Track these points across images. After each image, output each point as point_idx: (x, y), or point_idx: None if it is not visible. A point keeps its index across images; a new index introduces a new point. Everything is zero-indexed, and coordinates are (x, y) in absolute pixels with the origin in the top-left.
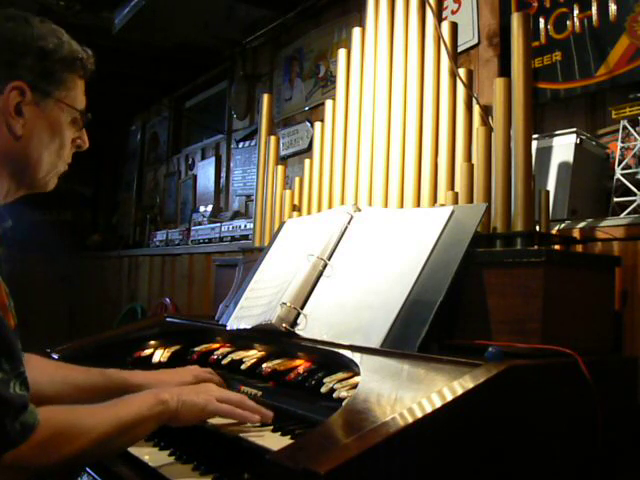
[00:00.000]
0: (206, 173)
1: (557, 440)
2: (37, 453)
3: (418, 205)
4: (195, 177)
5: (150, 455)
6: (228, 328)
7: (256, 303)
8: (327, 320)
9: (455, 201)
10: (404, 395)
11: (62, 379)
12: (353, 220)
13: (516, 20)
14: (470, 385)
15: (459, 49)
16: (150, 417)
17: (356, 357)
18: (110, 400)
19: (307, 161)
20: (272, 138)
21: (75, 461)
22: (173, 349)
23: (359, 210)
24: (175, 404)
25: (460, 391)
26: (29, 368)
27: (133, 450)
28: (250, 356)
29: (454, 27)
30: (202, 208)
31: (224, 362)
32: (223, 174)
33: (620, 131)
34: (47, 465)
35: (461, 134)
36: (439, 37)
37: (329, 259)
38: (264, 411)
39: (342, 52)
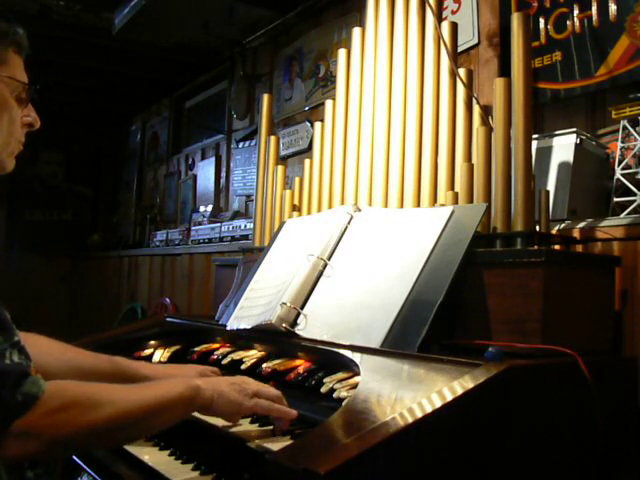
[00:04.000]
0: (206, 173)
1: (557, 440)
2: (49, 422)
3: (418, 205)
4: (195, 177)
5: (150, 455)
6: (228, 328)
7: (256, 303)
8: (327, 320)
9: (455, 201)
10: (404, 395)
11: (68, 361)
12: (353, 220)
13: (516, 20)
14: (470, 385)
15: (459, 49)
16: (179, 402)
17: (356, 357)
18: None
19: (307, 161)
20: (272, 138)
21: (89, 437)
22: (173, 349)
23: (359, 210)
24: (211, 393)
25: (460, 391)
26: (34, 347)
27: (133, 450)
28: (250, 356)
29: (454, 27)
30: (202, 208)
31: (224, 362)
32: (223, 174)
33: (620, 131)
34: (59, 436)
35: (461, 134)
36: (439, 37)
37: (329, 259)
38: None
39: (342, 52)
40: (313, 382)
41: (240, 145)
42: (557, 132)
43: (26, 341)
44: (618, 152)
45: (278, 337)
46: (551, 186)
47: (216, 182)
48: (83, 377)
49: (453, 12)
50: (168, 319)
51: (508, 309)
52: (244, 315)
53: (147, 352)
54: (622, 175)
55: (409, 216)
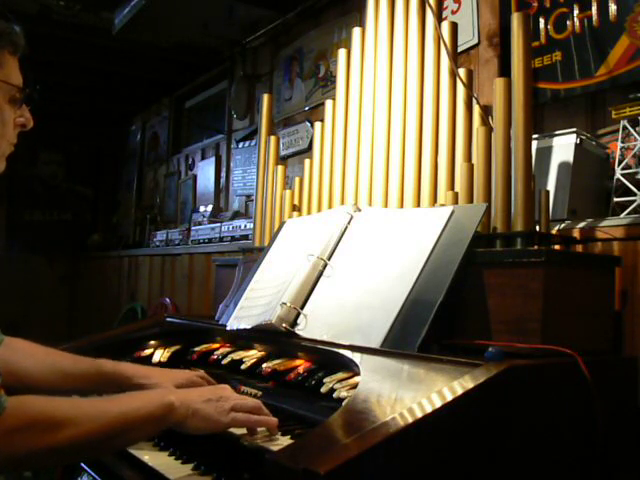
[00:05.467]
0: (206, 173)
1: (557, 440)
2: (6, 442)
3: (418, 205)
4: (195, 177)
5: (150, 455)
6: (228, 328)
7: (256, 303)
8: (327, 320)
9: (455, 201)
10: (404, 395)
11: (50, 365)
12: (353, 220)
13: (516, 20)
14: (470, 385)
15: (459, 49)
16: (149, 421)
17: (356, 357)
18: (102, 391)
19: (307, 161)
20: (272, 138)
21: (50, 457)
22: (173, 349)
23: (359, 210)
24: (184, 411)
25: (460, 391)
26: (18, 352)
27: (133, 450)
28: (250, 356)
29: (454, 27)
30: (202, 208)
31: (224, 362)
32: (223, 174)
33: (620, 131)
34: (17, 456)
35: (461, 134)
36: (439, 37)
37: (329, 259)
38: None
39: (342, 52)
40: (313, 382)
41: (240, 145)
42: (557, 132)
43: (10, 345)
44: (618, 152)
45: (278, 337)
46: (551, 186)
47: (216, 182)
48: (66, 380)
49: (453, 12)
50: (168, 319)
51: (508, 309)
52: (244, 315)
53: (147, 352)
54: (622, 175)
55: (409, 216)
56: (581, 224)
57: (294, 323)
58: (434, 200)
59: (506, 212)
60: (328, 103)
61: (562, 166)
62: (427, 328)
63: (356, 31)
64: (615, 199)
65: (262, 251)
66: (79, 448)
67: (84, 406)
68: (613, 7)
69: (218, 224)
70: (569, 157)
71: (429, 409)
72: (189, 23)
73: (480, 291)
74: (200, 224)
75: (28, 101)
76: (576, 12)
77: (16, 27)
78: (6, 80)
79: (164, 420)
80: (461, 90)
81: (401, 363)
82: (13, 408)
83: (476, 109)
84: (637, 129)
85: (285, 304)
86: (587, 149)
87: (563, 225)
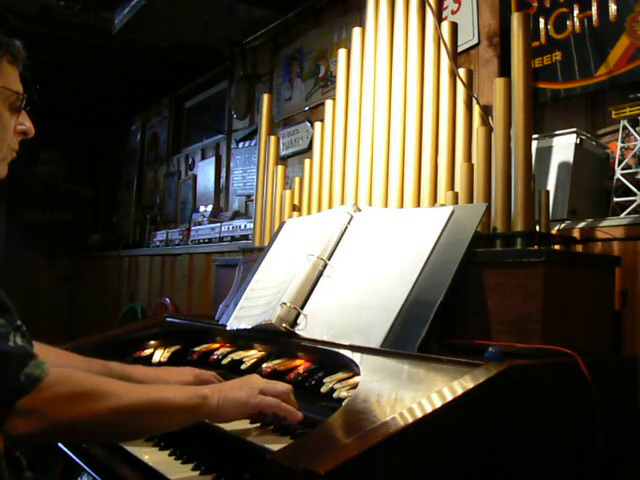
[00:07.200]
0: (206, 173)
1: (557, 440)
2: (53, 406)
3: (418, 205)
4: (195, 177)
5: (150, 455)
6: (228, 328)
7: (256, 303)
8: (327, 320)
9: (455, 201)
10: (404, 395)
11: (61, 367)
12: (353, 220)
13: (516, 20)
14: (470, 385)
15: (459, 49)
16: (185, 407)
17: (356, 357)
18: None
19: (307, 161)
20: (272, 138)
21: (91, 426)
22: (173, 349)
23: (359, 210)
24: (216, 401)
25: (460, 391)
26: None
27: (133, 450)
28: (250, 356)
29: (454, 27)
30: (202, 208)
31: (224, 362)
32: (223, 174)
33: (620, 131)
34: (62, 421)
35: (461, 134)
36: (439, 37)
37: (329, 259)
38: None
39: (342, 52)
40: (313, 382)
41: (240, 145)
42: (557, 132)
43: None
44: (618, 152)
45: (278, 337)
46: (551, 186)
47: (216, 182)
48: None
49: (453, 12)
50: (168, 319)
51: (508, 309)
52: (244, 315)
53: (147, 352)
54: (622, 175)
55: (409, 216)
56: (581, 224)
57: (294, 323)
58: (434, 200)
59: (506, 212)
60: (328, 103)
61: (562, 166)
62: (427, 328)
63: (356, 31)
64: (615, 199)
65: (262, 251)
66: (118, 421)
67: (124, 384)
68: (613, 7)
69: (218, 224)
70: (569, 157)
71: (429, 409)
72: (189, 23)
73: (480, 291)
74: (200, 224)
75: (28, 103)
76: (576, 12)
77: (16, 40)
78: (5, 86)
79: (198, 410)
80: (461, 90)
81: (401, 363)
82: (59, 375)
83: (476, 109)
84: (637, 129)
85: (285, 304)
86: (587, 149)
87: (563, 225)
